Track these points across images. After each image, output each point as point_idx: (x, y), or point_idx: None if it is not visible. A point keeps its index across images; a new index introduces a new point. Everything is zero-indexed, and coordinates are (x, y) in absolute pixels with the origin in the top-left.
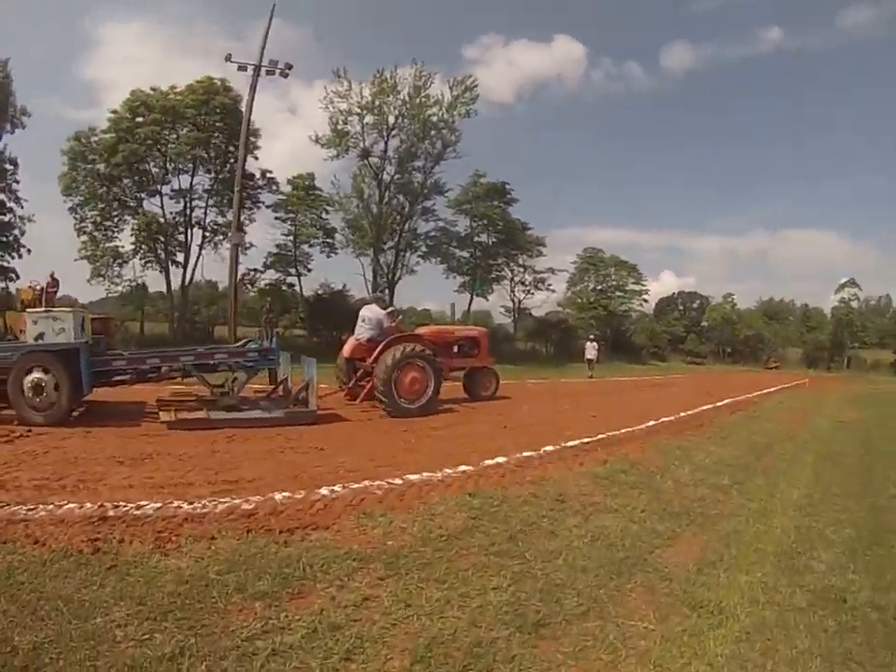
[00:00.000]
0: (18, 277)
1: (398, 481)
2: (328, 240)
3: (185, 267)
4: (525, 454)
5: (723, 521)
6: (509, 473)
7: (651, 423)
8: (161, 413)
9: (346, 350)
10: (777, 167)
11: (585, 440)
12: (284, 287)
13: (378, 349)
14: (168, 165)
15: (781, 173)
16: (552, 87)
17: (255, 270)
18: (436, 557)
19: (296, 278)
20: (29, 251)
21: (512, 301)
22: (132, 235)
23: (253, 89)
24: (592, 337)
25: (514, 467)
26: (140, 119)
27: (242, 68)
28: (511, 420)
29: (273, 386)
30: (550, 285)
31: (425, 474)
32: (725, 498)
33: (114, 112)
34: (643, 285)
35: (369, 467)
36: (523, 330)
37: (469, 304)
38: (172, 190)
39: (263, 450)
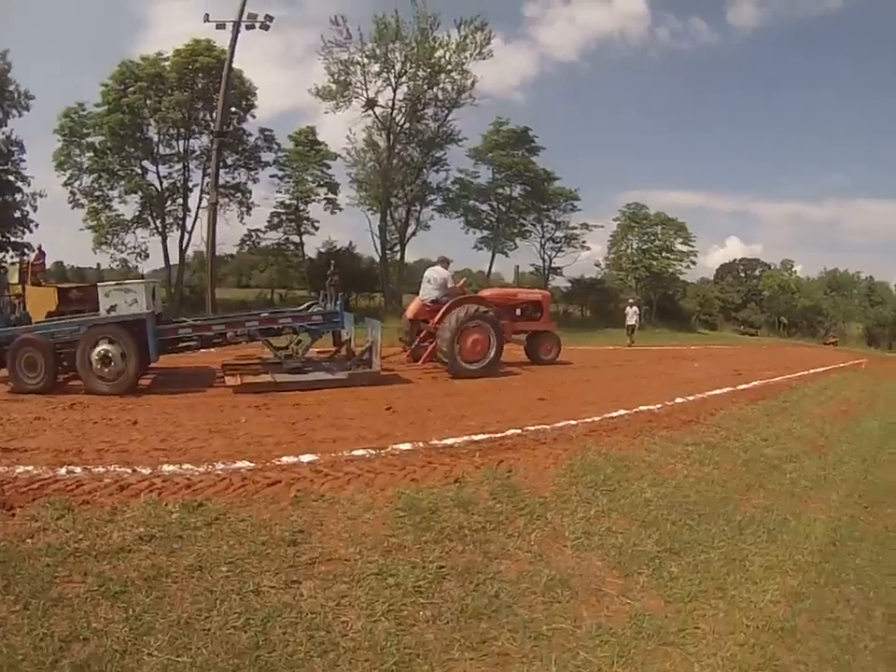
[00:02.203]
0: (33, 250)
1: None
2: (330, 196)
3: (182, 232)
4: None
5: None
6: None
7: (620, 413)
8: (226, 377)
9: (410, 311)
10: (852, 130)
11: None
12: (288, 249)
13: (442, 310)
14: (161, 131)
15: (857, 137)
16: (616, 44)
17: (257, 230)
18: None
19: (302, 238)
20: (37, 226)
21: (542, 259)
22: (128, 203)
23: (233, 46)
24: (632, 301)
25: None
26: (131, 90)
27: (220, 26)
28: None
29: (336, 348)
30: (584, 242)
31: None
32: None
33: (105, 85)
34: (692, 245)
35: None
36: (556, 292)
37: (491, 262)
38: (171, 155)
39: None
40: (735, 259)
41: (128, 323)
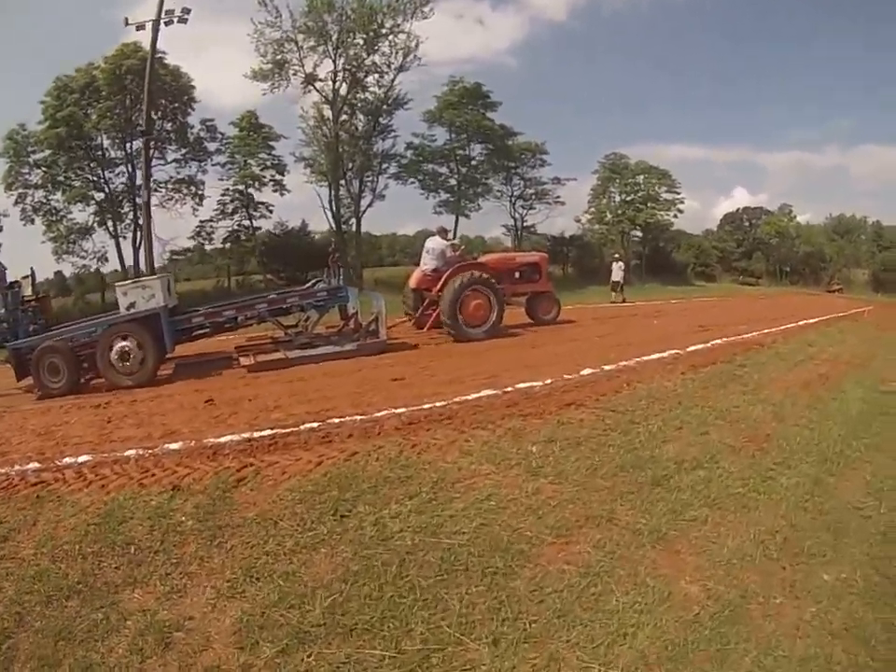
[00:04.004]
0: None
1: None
2: (276, 178)
3: (134, 232)
4: None
5: None
6: None
7: (481, 394)
8: (240, 358)
9: (413, 281)
10: (857, 72)
11: None
12: (243, 235)
13: (443, 278)
14: (108, 137)
15: (862, 79)
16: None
17: (209, 221)
18: None
19: (253, 222)
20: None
21: (513, 218)
22: (83, 210)
23: (153, 45)
24: (617, 256)
25: None
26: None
27: (140, 28)
28: None
29: (343, 321)
30: (558, 197)
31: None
32: None
33: (43, 102)
34: (677, 192)
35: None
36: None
37: (455, 225)
38: (118, 158)
39: None
40: (739, 209)
41: (143, 318)
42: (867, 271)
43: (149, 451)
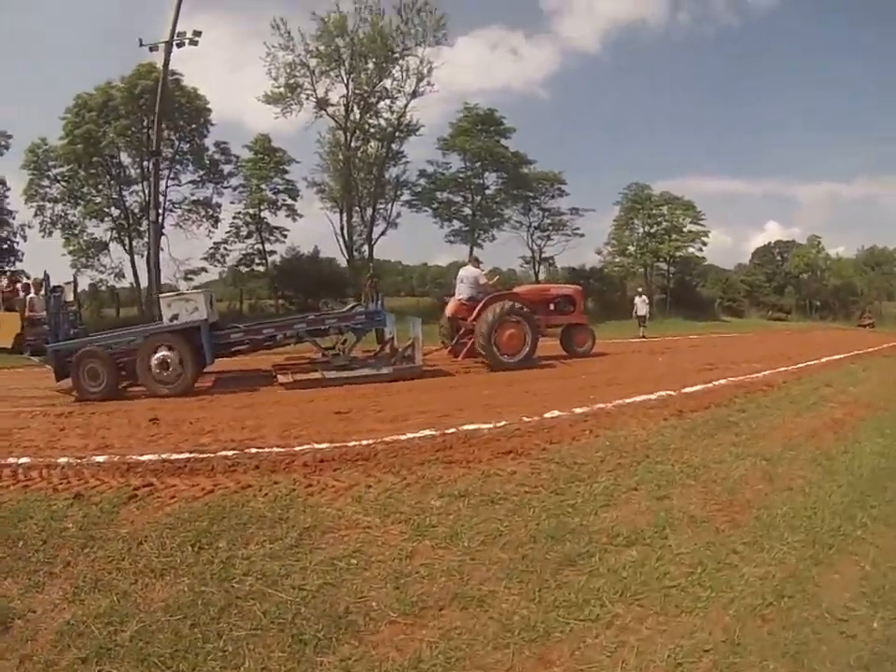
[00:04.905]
0: (28, 277)
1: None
2: (289, 202)
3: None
4: None
5: None
6: None
7: (412, 435)
8: (278, 376)
9: (449, 310)
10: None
11: None
12: (257, 259)
13: (478, 307)
14: (128, 155)
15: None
16: (638, 32)
17: (223, 243)
18: None
19: (264, 246)
20: (24, 255)
21: (531, 249)
22: (99, 226)
23: (166, 66)
24: (640, 290)
25: None
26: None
27: (153, 49)
28: None
29: (380, 345)
30: (577, 228)
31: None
32: None
33: (63, 118)
34: (702, 224)
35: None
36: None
37: (470, 255)
38: (137, 177)
39: None
40: (771, 243)
41: (184, 330)
42: None
43: (78, 461)
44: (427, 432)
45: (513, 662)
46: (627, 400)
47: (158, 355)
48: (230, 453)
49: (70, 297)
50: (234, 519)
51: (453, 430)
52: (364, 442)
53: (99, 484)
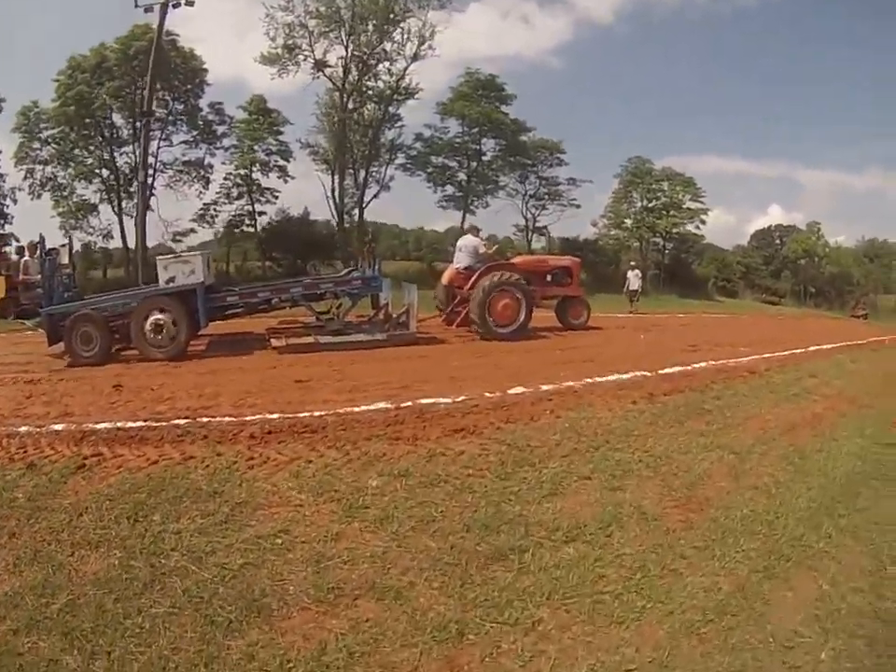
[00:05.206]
0: (18, 240)
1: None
2: (281, 163)
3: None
4: None
5: None
6: None
7: (372, 407)
8: (272, 340)
9: (445, 277)
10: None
11: None
12: (247, 220)
13: (474, 277)
14: (122, 116)
15: None
16: (653, 6)
17: (213, 204)
18: None
19: (259, 209)
20: (14, 218)
21: (525, 217)
22: (88, 187)
23: (160, 27)
24: (633, 264)
25: None
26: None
27: (148, 10)
28: None
29: (374, 311)
30: (574, 199)
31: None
32: None
33: (56, 80)
34: (701, 202)
35: None
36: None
37: (462, 221)
38: (129, 137)
39: None
40: (771, 226)
41: (180, 293)
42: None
43: (37, 429)
44: (382, 405)
45: (419, 662)
46: (599, 379)
47: (152, 318)
48: (182, 422)
49: (65, 260)
50: (172, 492)
51: (409, 404)
52: (316, 414)
53: (53, 454)
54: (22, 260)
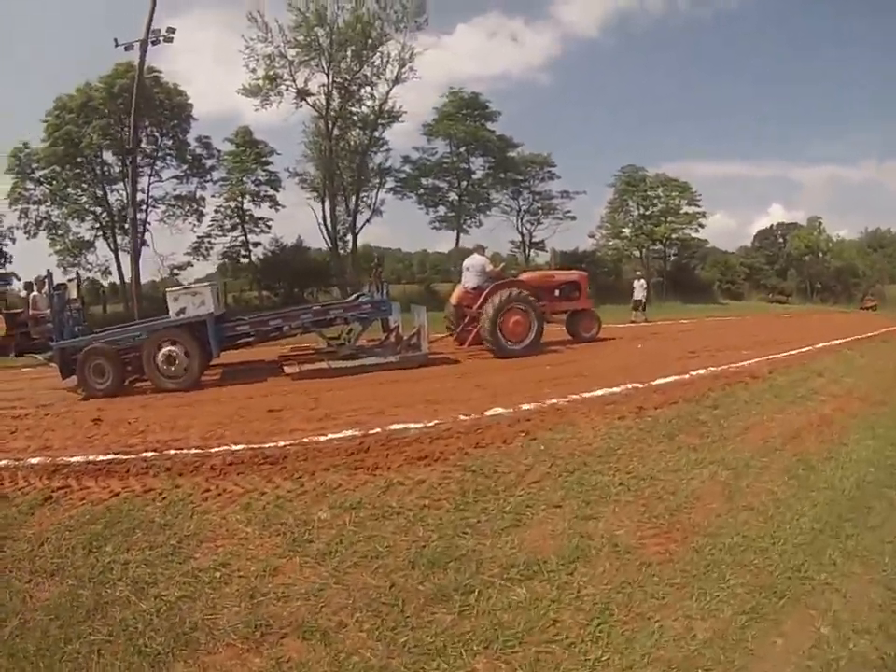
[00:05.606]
0: (19, 279)
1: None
2: (271, 193)
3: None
4: None
5: None
6: None
7: (339, 435)
8: (285, 367)
9: (454, 298)
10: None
11: None
12: (242, 251)
13: (483, 295)
14: (113, 154)
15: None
16: (636, 17)
17: (206, 237)
18: None
19: (253, 239)
20: (13, 257)
21: (521, 233)
22: (81, 225)
23: (141, 64)
24: (639, 274)
25: None
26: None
27: (128, 48)
28: None
29: (386, 334)
30: (568, 211)
31: None
32: None
33: (45, 120)
34: (698, 206)
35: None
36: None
37: (457, 241)
38: (119, 175)
39: None
40: (773, 225)
41: (190, 324)
42: None
43: (15, 462)
44: (350, 432)
45: None
46: (586, 395)
47: (164, 349)
48: (149, 454)
49: (74, 294)
50: (126, 523)
51: (377, 431)
52: (281, 444)
53: (26, 486)
54: (31, 295)
